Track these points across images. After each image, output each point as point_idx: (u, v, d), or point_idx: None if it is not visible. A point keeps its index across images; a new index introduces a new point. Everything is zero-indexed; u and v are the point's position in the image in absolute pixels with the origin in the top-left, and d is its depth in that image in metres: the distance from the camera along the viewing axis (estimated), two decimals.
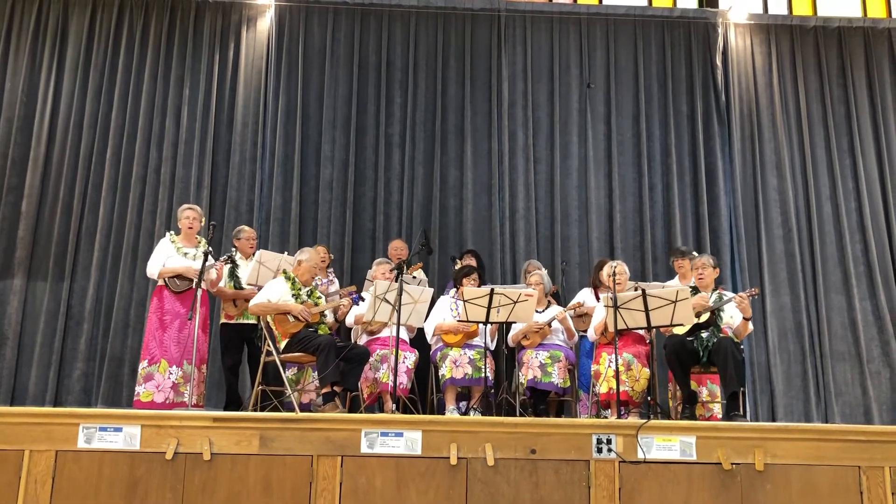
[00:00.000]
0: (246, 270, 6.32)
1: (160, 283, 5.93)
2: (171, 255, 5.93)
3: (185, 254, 5.96)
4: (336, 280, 6.99)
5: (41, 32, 8.41)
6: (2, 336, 7.67)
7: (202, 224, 6.23)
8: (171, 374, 5.72)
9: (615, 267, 5.87)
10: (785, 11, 9.16)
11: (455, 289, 6.26)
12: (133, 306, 7.78)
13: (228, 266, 6.25)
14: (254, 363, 6.33)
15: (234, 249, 6.56)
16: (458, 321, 5.82)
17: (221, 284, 6.27)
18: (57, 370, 7.62)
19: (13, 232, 7.89)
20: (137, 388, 5.75)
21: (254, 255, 6.34)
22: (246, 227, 6.79)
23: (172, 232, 6.13)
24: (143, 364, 5.76)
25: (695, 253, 6.29)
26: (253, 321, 6.22)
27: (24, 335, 7.72)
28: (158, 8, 8.53)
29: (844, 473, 4.21)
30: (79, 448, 4.15)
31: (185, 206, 6.26)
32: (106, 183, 8.07)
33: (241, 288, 6.29)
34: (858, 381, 7.96)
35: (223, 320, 6.39)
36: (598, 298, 6.38)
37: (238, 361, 6.50)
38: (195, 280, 5.54)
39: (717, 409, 5.79)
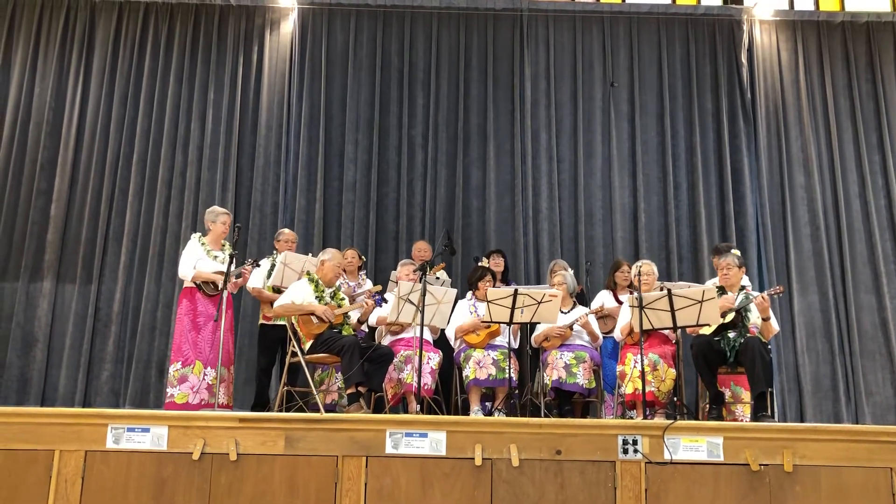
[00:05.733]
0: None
1: (190, 284, 5.85)
2: (201, 258, 5.86)
3: (216, 257, 5.96)
4: (369, 281, 6.92)
5: (69, 38, 8.53)
6: (32, 338, 7.79)
7: None
8: (205, 375, 5.69)
9: (641, 267, 5.83)
10: (811, 7, 9.05)
11: (471, 292, 6.24)
12: (160, 308, 7.87)
13: (268, 268, 6.32)
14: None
15: (275, 252, 6.61)
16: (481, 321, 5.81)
17: (259, 285, 6.31)
18: (86, 372, 7.72)
19: (42, 235, 8.01)
20: (170, 390, 5.67)
21: None
22: (286, 230, 6.83)
23: (200, 234, 6.09)
24: (177, 366, 5.68)
25: (736, 251, 6.10)
26: None
27: (54, 337, 7.83)
28: (183, 13, 8.62)
29: (875, 475, 4.14)
30: (107, 448, 4.19)
31: (220, 210, 6.15)
32: (133, 186, 8.17)
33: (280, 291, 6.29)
34: (890, 381, 7.83)
35: (261, 321, 6.43)
36: (616, 300, 6.33)
37: (272, 362, 6.52)
38: (221, 282, 5.56)
39: (741, 410, 5.72)
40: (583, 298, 6.66)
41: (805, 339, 7.92)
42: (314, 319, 5.43)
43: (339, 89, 8.55)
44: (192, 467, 4.15)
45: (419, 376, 5.29)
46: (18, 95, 8.35)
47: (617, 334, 5.91)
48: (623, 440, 4.18)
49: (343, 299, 5.76)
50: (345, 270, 6.52)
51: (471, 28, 8.73)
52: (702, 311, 5.06)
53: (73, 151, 8.23)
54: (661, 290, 5.37)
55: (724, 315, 5.33)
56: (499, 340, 5.89)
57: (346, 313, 5.66)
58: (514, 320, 5.43)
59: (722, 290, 5.54)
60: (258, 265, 6.08)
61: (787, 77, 8.68)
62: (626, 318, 5.73)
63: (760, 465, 4.14)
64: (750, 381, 5.16)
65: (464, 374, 5.77)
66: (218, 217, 6.07)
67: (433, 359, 5.74)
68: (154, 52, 8.53)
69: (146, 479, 4.14)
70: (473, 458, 4.13)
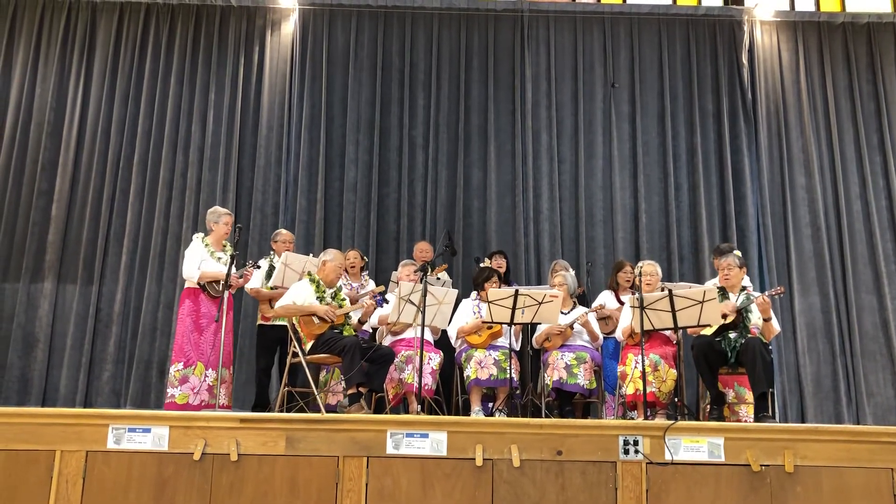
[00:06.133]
0: None
1: (193, 285, 5.81)
2: (205, 259, 5.83)
3: (219, 258, 5.94)
4: (372, 282, 6.90)
5: (70, 39, 8.54)
6: (33, 338, 7.79)
7: None
8: (206, 376, 5.68)
9: (642, 267, 5.82)
10: (812, 8, 9.05)
11: (476, 293, 6.24)
12: (161, 309, 7.87)
13: (266, 269, 6.31)
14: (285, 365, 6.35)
15: (272, 252, 6.60)
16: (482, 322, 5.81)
17: (258, 285, 6.30)
18: (87, 372, 7.73)
19: (43, 236, 8.02)
20: (171, 391, 5.64)
21: None
22: (283, 231, 6.82)
23: (202, 234, 6.05)
24: (178, 366, 5.64)
25: (737, 252, 6.09)
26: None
27: (55, 338, 7.84)
28: (184, 14, 8.63)
29: (877, 475, 4.14)
30: (108, 448, 4.18)
31: (223, 211, 6.12)
32: (133, 187, 8.17)
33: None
34: (891, 381, 7.83)
35: (259, 322, 6.42)
36: (618, 300, 6.33)
37: (271, 362, 6.50)
38: (222, 283, 5.56)
39: (745, 411, 5.71)
40: (584, 300, 6.66)
41: (806, 340, 7.92)
42: (315, 320, 5.43)
43: (340, 90, 8.56)
44: (193, 468, 4.15)
45: (420, 377, 5.29)
46: (19, 96, 8.36)
47: (618, 335, 5.91)
48: (624, 441, 4.17)
49: (344, 300, 5.76)
50: (347, 271, 6.52)
51: (471, 29, 8.73)
52: (703, 311, 5.05)
53: (74, 152, 8.23)
54: (662, 290, 5.37)
55: (724, 316, 5.33)
56: (500, 341, 5.88)
57: (348, 314, 5.66)
58: (515, 321, 5.43)
59: (723, 291, 5.53)
60: (258, 267, 6.08)
61: (788, 78, 8.68)
62: (627, 320, 5.73)
63: (761, 465, 4.13)
64: (751, 381, 5.16)
65: (465, 374, 5.77)
66: (220, 218, 6.06)
67: (434, 359, 5.74)
68: (155, 53, 8.54)
69: (147, 479, 4.14)
70: (474, 459, 4.13)
